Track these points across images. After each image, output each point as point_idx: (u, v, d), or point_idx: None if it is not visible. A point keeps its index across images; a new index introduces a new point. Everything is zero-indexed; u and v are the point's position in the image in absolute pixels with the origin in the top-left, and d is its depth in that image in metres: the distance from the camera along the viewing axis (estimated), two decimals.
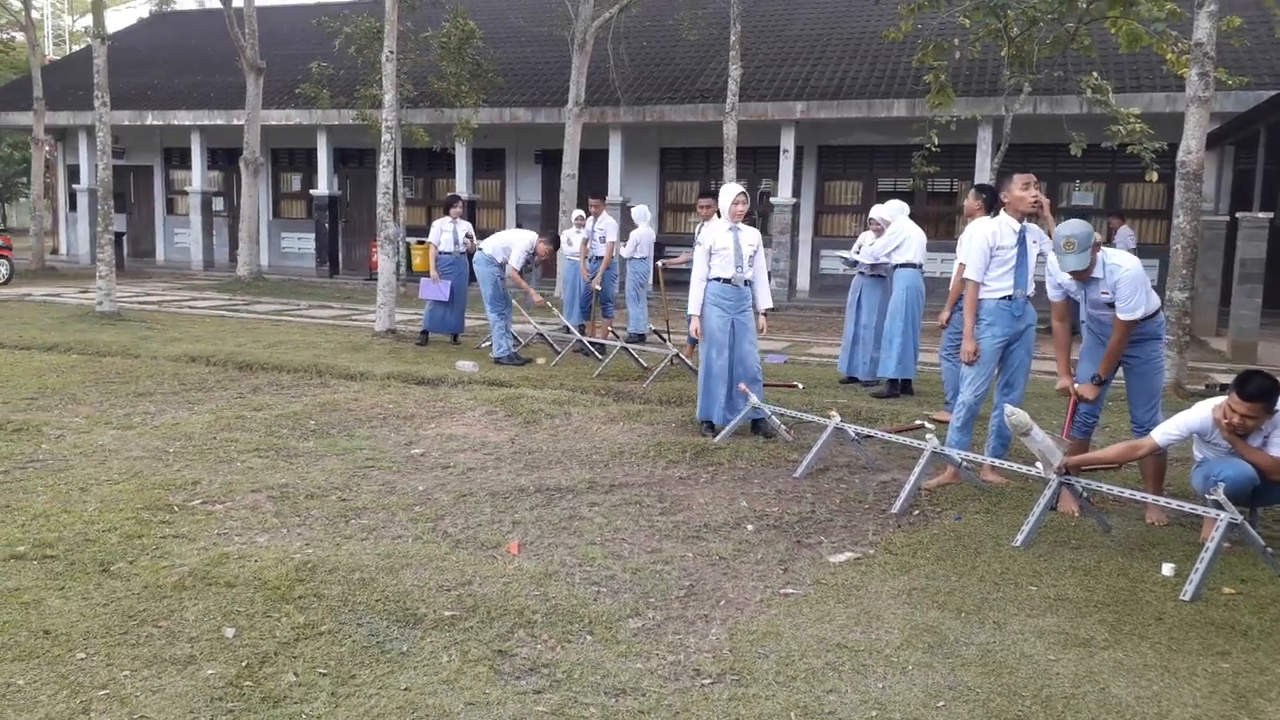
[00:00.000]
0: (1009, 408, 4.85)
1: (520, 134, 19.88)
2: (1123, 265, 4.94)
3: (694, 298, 6.92)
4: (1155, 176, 12.52)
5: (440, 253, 11.05)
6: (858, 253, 9.03)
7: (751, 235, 6.96)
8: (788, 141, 16.95)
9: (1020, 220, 5.65)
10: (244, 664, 3.29)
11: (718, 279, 6.87)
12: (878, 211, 8.88)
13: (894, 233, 8.60)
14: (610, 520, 5.03)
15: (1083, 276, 5.04)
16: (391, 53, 11.00)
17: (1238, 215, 12.31)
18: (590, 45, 15.58)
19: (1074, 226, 4.95)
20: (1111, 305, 5.00)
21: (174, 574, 4.02)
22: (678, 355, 9.21)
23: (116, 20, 31.09)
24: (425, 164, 21.02)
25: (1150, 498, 4.73)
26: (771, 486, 5.78)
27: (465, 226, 11.23)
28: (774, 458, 6.42)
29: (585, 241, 11.39)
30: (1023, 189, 5.59)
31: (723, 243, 6.84)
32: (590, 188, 13.25)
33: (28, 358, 9.66)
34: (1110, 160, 15.89)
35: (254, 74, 17.21)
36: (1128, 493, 4.80)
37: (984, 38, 13.49)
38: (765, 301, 7.07)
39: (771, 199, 17.49)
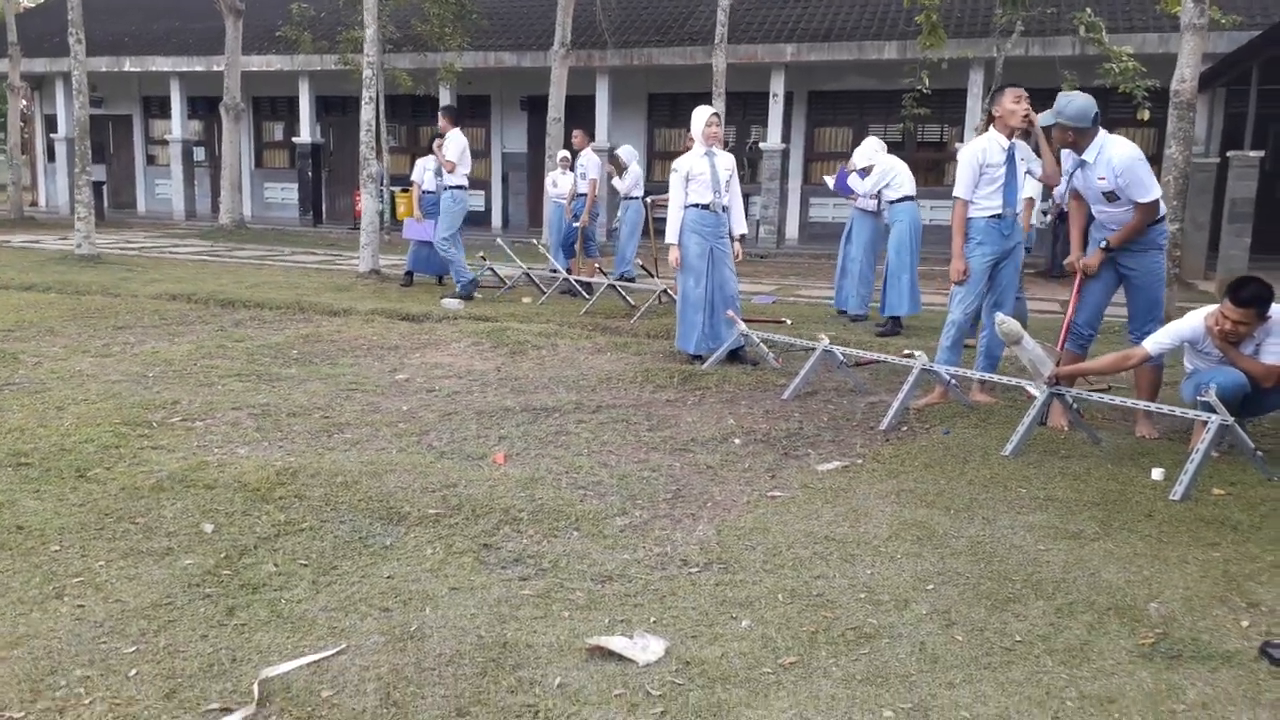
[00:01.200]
0: (999, 315, 4.80)
1: (506, 79, 19.57)
2: (1119, 150, 4.86)
3: (671, 226, 6.81)
4: (1147, 116, 12.40)
5: (424, 191, 10.87)
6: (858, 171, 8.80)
7: (727, 160, 6.84)
8: (777, 86, 16.73)
9: (1010, 137, 5.55)
10: (223, 555, 3.23)
11: (695, 205, 6.76)
12: (857, 155, 8.77)
13: (884, 169, 8.49)
14: (597, 435, 4.98)
15: (1072, 144, 4.95)
16: None
17: (1228, 154, 12.23)
18: None
19: (1076, 97, 4.91)
20: (1108, 195, 4.92)
21: (152, 478, 3.95)
22: (665, 291, 9.13)
23: None
24: (409, 111, 20.71)
25: (1141, 404, 4.70)
26: (759, 407, 5.73)
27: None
28: (762, 383, 6.36)
29: (590, 187, 11.15)
30: (1014, 102, 5.49)
31: (699, 168, 6.73)
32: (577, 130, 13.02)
33: (4, 297, 9.50)
34: (1103, 103, 15.73)
35: (233, 16, 16.85)
36: (1117, 400, 4.76)
37: None
38: (740, 227, 6.97)
39: (760, 144, 17.31)
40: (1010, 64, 13.54)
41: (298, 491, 3.83)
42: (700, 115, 6.81)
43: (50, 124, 23.34)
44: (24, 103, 23.63)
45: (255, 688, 2.37)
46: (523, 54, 18.02)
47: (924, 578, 3.15)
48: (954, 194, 5.68)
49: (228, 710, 2.30)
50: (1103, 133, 5.02)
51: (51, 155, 23.51)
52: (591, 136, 11.51)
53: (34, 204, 24.08)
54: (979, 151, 5.55)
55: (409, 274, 11.11)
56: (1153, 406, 4.65)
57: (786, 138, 17.56)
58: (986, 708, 2.35)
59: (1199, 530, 3.64)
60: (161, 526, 3.46)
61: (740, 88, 16.97)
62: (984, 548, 3.41)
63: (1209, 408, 4.22)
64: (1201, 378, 4.55)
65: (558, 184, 11.93)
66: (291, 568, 3.16)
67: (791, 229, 18.33)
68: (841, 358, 6.09)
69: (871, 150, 8.67)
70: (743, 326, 6.72)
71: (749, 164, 18.06)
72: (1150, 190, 4.87)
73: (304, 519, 3.58)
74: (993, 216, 5.56)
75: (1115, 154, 4.90)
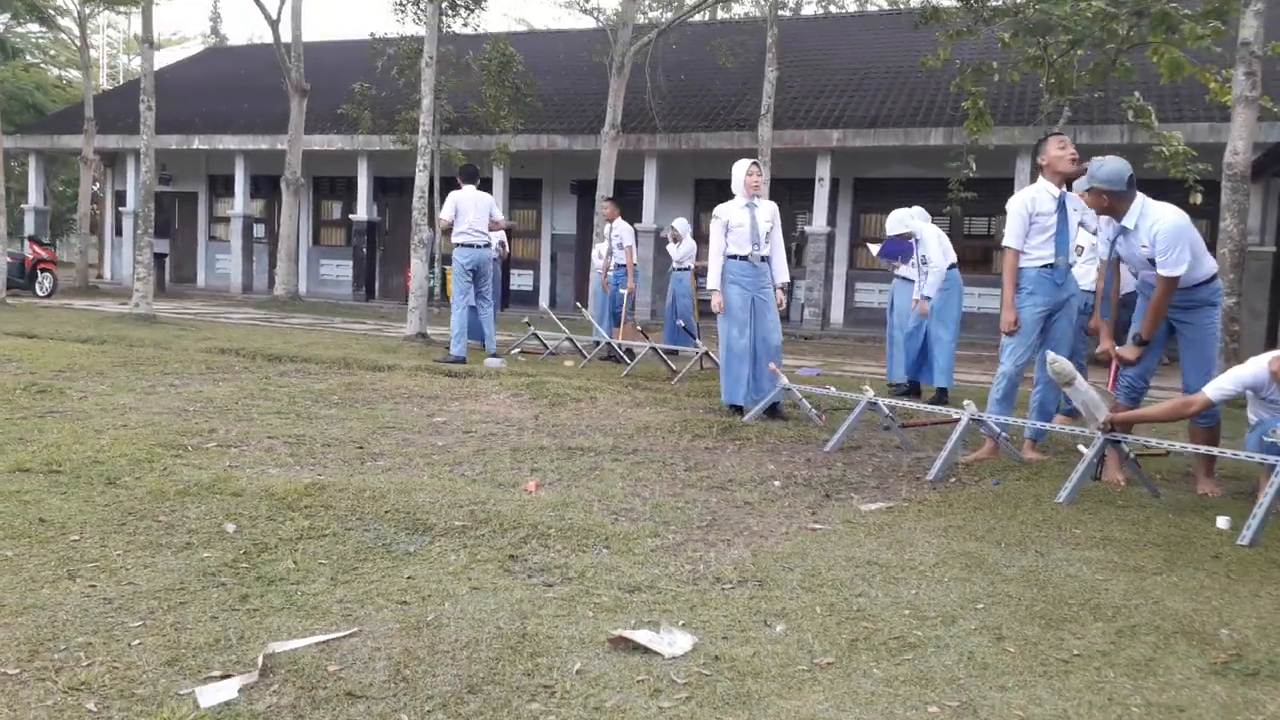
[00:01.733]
0: (1051, 354, 4.64)
1: (557, 162, 20.04)
2: (1163, 217, 4.73)
3: (712, 272, 6.79)
4: (1199, 200, 12.25)
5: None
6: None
7: (768, 210, 6.82)
8: (823, 170, 16.91)
9: (1059, 185, 5.47)
10: (242, 551, 3.15)
11: (734, 256, 6.74)
12: (891, 224, 8.66)
13: (929, 237, 8.42)
14: (632, 472, 4.85)
15: (1108, 209, 4.80)
16: (431, 58, 11.13)
17: None
18: (628, 70, 15.73)
19: (1109, 160, 4.80)
20: (1152, 261, 4.78)
21: (179, 485, 3.90)
22: (707, 354, 9.06)
23: (169, 56, 32.07)
24: None
25: (1202, 449, 4.47)
26: (801, 456, 5.56)
27: (498, 235, 11.20)
28: (804, 436, 6.20)
29: (607, 254, 11.29)
30: (1059, 148, 5.43)
31: (739, 219, 6.72)
32: (625, 216, 13.18)
33: (59, 346, 9.70)
34: (1154, 192, 15.63)
35: (298, 95, 17.54)
36: (1176, 446, 4.54)
37: (1023, 65, 13.42)
38: (782, 275, 6.91)
39: (805, 228, 17.42)
40: None
41: (325, 502, 3.75)
42: (740, 166, 6.84)
43: (120, 200, 24.27)
44: (95, 184, 24.67)
45: (260, 659, 2.25)
46: (574, 137, 18.47)
47: (973, 599, 2.95)
48: (1004, 244, 5.57)
49: (229, 678, 2.19)
50: (1141, 197, 4.90)
51: (119, 230, 24.38)
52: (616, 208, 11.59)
53: (100, 276, 24.89)
54: (1028, 200, 5.47)
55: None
56: (1215, 451, 4.42)
57: (832, 222, 17.65)
58: (1042, 709, 2.15)
59: (1270, 571, 3.39)
60: (184, 525, 3.39)
61: (787, 174, 17.18)
62: (1037, 576, 3.21)
63: (1276, 450, 3.99)
64: (1268, 425, 4.33)
65: (602, 255, 12.05)
66: (311, 565, 3.06)
67: (836, 313, 18.26)
68: (887, 410, 5.92)
69: (909, 216, 8.60)
70: (785, 380, 6.60)
71: (796, 250, 18.14)
72: (1177, 265, 4.67)
73: (328, 525, 3.49)
74: (1044, 266, 5.44)
75: (1158, 222, 4.75)
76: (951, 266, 8.38)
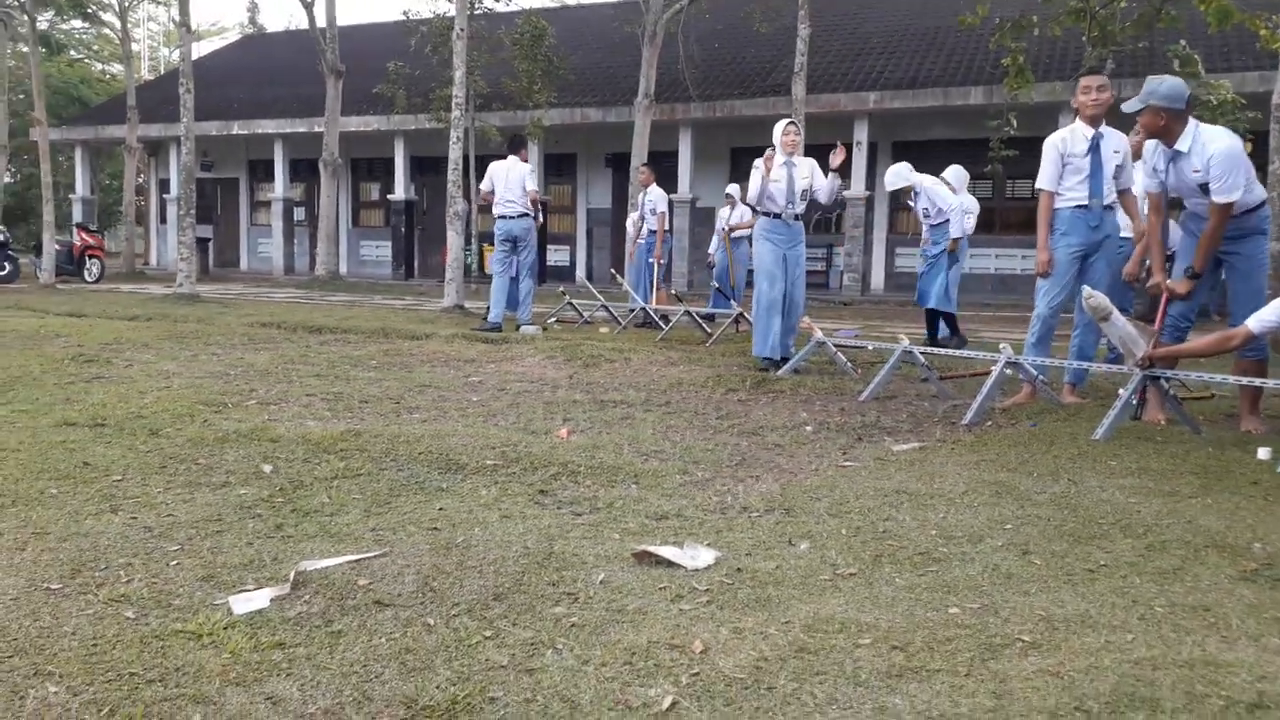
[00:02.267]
0: (1086, 289, 4.56)
1: (591, 136, 20.01)
2: (1218, 139, 4.59)
3: (752, 192, 6.90)
4: (1250, 148, 11.92)
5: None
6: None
7: (805, 167, 6.83)
8: (861, 134, 16.72)
9: (1094, 125, 5.35)
10: (278, 488, 3.22)
11: (769, 214, 6.76)
12: (892, 180, 8.74)
13: (931, 184, 8.60)
14: (664, 420, 4.87)
15: (1163, 129, 4.65)
16: (462, 30, 11.17)
17: None
18: (660, 38, 15.63)
19: (1167, 78, 4.66)
20: (1204, 188, 4.64)
21: (219, 434, 4.00)
22: (742, 315, 9.03)
23: (208, 46, 32.54)
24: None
25: (1244, 380, 4.38)
26: (835, 406, 5.54)
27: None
28: (839, 389, 6.17)
29: (640, 219, 11.27)
30: (1083, 92, 5.32)
31: (776, 175, 6.74)
32: (660, 186, 13.13)
33: (106, 324, 9.93)
34: None
35: (334, 77, 17.70)
36: (1217, 378, 4.46)
37: (1064, 18, 13.12)
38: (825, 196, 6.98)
39: (844, 193, 17.24)
40: None
41: (360, 446, 3.82)
42: (779, 126, 6.88)
43: (164, 188, 24.72)
44: (140, 176, 25.14)
45: (292, 574, 2.31)
46: (608, 109, 18.42)
47: (1000, 520, 2.94)
48: (1037, 185, 5.49)
49: (261, 590, 2.25)
50: (1193, 121, 4.77)
51: (164, 218, 24.85)
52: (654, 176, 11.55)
53: (146, 263, 25.41)
54: (1059, 141, 5.37)
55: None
56: (1257, 381, 4.33)
57: (870, 187, 17.45)
58: (1064, 610, 2.14)
59: None
60: (222, 466, 3.48)
61: (825, 139, 16.99)
62: (1068, 500, 3.18)
63: None
64: None
65: (635, 224, 12.03)
66: (345, 500, 3.13)
67: (876, 278, 18.09)
68: (923, 359, 5.88)
69: (905, 171, 8.72)
70: (819, 334, 6.57)
71: (836, 219, 17.97)
72: (1235, 190, 4.54)
73: (363, 466, 3.56)
74: (1078, 206, 5.34)
75: (1213, 143, 4.60)
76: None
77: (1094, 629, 2.03)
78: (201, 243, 20.08)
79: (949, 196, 8.43)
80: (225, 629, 2.01)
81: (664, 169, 17.77)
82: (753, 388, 6.11)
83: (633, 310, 10.84)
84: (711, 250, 11.57)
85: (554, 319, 10.92)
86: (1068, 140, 5.37)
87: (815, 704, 1.68)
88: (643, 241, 11.46)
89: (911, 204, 8.94)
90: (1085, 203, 5.34)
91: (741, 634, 1.99)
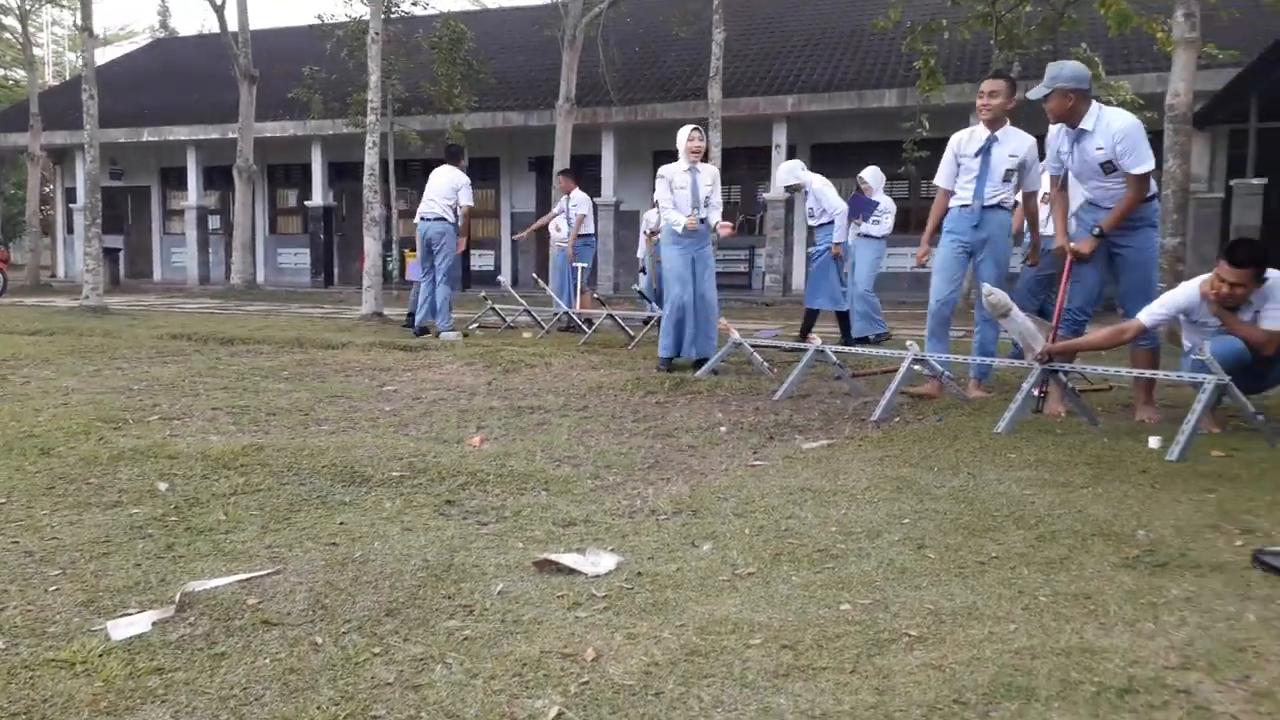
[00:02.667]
0: (986, 286, 4.68)
1: (514, 140, 19.91)
2: (1121, 117, 4.73)
3: (649, 224, 7.03)
4: None
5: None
6: (876, 223, 9.10)
7: (708, 174, 6.93)
8: (779, 137, 16.93)
9: (991, 129, 5.48)
10: (172, 507, 3.13)
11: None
12: (784, 177, 9.09)
13: (821, 185, 8.94)
14: (580, 425, 4.86)
15: (1070, 111, 4.76)
16: (377, 34, 11.00)
17: (1231, 183, 12.18)
18: (580, 42, 15.63)
19: (1068, 63, 4.81)
20: (1105, 167, 4.76)
21: (114, 452, 3.86)
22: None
23: (118, 51, 31.46)
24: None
25: (1135, 372, 4.54)
26: (750, 406, 5.59)
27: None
28: (755, 389, 6.23)
29: (574, 224, 11.24)
30: (978, 95, 5.49)
31: (680, 182, 6.84)
32: (585, 190, 13.12)
33: (6, 339, 9.54)
34: None
35: (247, 82, 17.29)
36: (1112, 371, 4.62)
37: (973, 22, 13.48)
38: (715, 217, 6.99)
39: (764, 195, 17.45)
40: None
41: (262, 461, 3.73)
42: (683, 132, 6.96)
43: (70, 197, 23.87)
44: (47, 186, 24.23)
45: (177, 596, 2.24)
46: (529, 113, 18.34)
47: (899, 515, 2.99)
48: (935, 182, 5.68)
49: (144, 614, 2.18)
50: (1096, 103, 4.90)
51: (70, 228, 23.98)
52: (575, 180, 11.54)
53: (53, 276, 24.49)
54: (956, 141, 5.54)
55: (411, 315, 11.10)
56: (1147, 373, 4.50)
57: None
58: (952, 603, 2.19)
59: (1195, 480, 3.46)
60: (115, 485, 3.36)
61: (745, 143, 17.19)
62: (966, 494, 3.26)
63: (1204, 369, 4.07)
64: (1198, 345, 4.40)
65: (561, 228, 11.99)
66: (242, 517, 3.04)
67: (798, 279, 18.32)
68: (835, 358, 5.97)
69: (796, 168, 9.06)
70: (736, 335, 6.63)
71: (759, 221, 18.16)
72: (1146, 160, 4.68)
73: (264, 481, 3.47)
74: (962, 206, 5.53)
75: (1116, 121, 4.73)
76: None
77: (979, 621, 2.08)
78: (111, 253, 19.43)
79: (836, 200, 8.72)
80: (101, 656, 1.94)
81: (587, 173, 17.78)
82: (671, 390, 6.13)
83: (556, 314, 10.80)
84: (641, 255, 11.60)
85: (476, 325, 10.83)
86: (964, 141, 5.52)
87: (701, 708, 1.69)
88: (566, 245, 11.43)
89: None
90: (968, 202, 5.51)
91: (635, 639, 1.99)
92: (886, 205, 9.29)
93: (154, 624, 2.11)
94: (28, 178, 20.66)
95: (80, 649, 1.98)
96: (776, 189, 18.11)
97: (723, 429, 4.78)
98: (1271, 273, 4.32)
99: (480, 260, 20.74)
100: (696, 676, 1.80)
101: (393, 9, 17.00)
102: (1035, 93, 4.87)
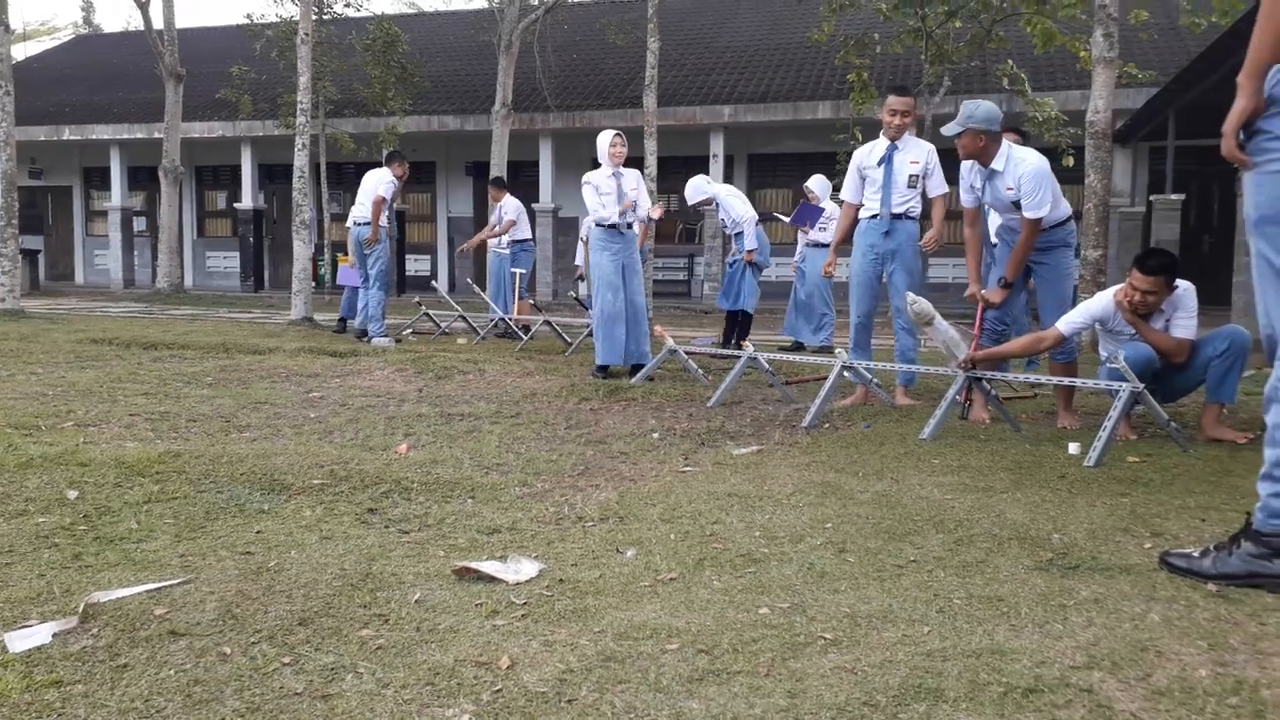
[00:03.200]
0: (910, 295, 4.77)
1: (450, 145, 19.75)
2: (1027, 159, 4.90)
3: (587, 229, 7.11)
4: (1071, 163, 12.77)
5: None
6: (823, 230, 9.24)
7: (631, 178, 6.98)
8: (716, 147, 17.06)
9: (893, 140, 5.62)
10: (82, 515, 3.02)
11: (602, 224, 6.88)
12: (691, 191, 9.22)
13: (729, 196, 9.18)
14: (510, 432, 4.82)
15: (982, 150, 4.90)
16: (307, 35, 10.82)
17: (1151, 198, 12.61)
18: (516, 48, 15.57)
19: (983, 102, 4.94)
20: (1017, 205, 4.94)
21: (22, 459, 3.72)
22: None
23: (38, 47, 30.49)
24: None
25: (1055, 379, 4.66)
26: (684, 413, 5.61)
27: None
28: (689, 395, 6.25)
29: (502, 226, 11.17)
30: (887, 113, 5.61)
31: (605, 188, 6.87)
32: (520, 196, 13.04)
33: None
34: None
35: (173, 81, 16.88)
36: (1031, 378, 4.73)
37: (904, 37, 13.75)
38: (644, 207, 7.13)
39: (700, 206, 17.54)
40: (939, 120, 13.93)
41: (178, 468, 3.63)
42: (604, 137, 6.99)
43: None
44: None
45: (81, 607, 2.16)
46: (465, 117, 18.21)
47: (823, 520, 3.02)
48: (840, 196, 5.84)
49: (43, 624, 2.09)
50: (1007, 142, 5.07)
51: None
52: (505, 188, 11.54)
53: None
54: (858, 155, 5.70)
55: (342, 320, 10.93)
56: (1065, 381, 4.62)
57: None
58: (869, 606, 2.22)
59: (1110, 485, 3.56)
60: (21, 494, 3.23)
61: (680, 151, 17.28)
62: (889, 498, 3.30)
63: (1120, 377, 4.19)
64: (1114, 353, 4.53)
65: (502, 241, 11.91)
66: (155, 525, 2.95)
67: None
68: (767, 365, 6.02)
69: (702, 184, 9.33)
70: (671, 342, 6.65)
71: (692, 226, 18.27)
72: (1042, 206, 4.82)
73: (179, 489, 3.37)
74: (871, 216, 5.66)
75: (1023, 164, 4.90)
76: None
77: (894, 624, 2.11)
78: (29, 255, 18.78)
79: (744, 209, 8.96)
80: None
81: (525, 178, 17.72)
82: (605, 396, 6.12)
83: (492, 320, 10.73)
84: (579, 262, 11.58)
85: (409, 331, 10.70)
86: (865, 154, 5.68)
87: (614, 713, 1.68)
88: (504, 251, 11.36)
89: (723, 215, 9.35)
90: (876, 211, 5.64)
91: (552, 646, 1.98)
92: (832, 211, 9.40)
93: (55, 635, 2.04)
94: None
95: None
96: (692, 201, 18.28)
97: (655, 435, 4.79)
98: (1182, 282, 4.48)
99: (416, 265, 20.51)
100: (611, 682, 1.80)
101: (325, 10, 16.75)
102: (949, 129, 5.03)
